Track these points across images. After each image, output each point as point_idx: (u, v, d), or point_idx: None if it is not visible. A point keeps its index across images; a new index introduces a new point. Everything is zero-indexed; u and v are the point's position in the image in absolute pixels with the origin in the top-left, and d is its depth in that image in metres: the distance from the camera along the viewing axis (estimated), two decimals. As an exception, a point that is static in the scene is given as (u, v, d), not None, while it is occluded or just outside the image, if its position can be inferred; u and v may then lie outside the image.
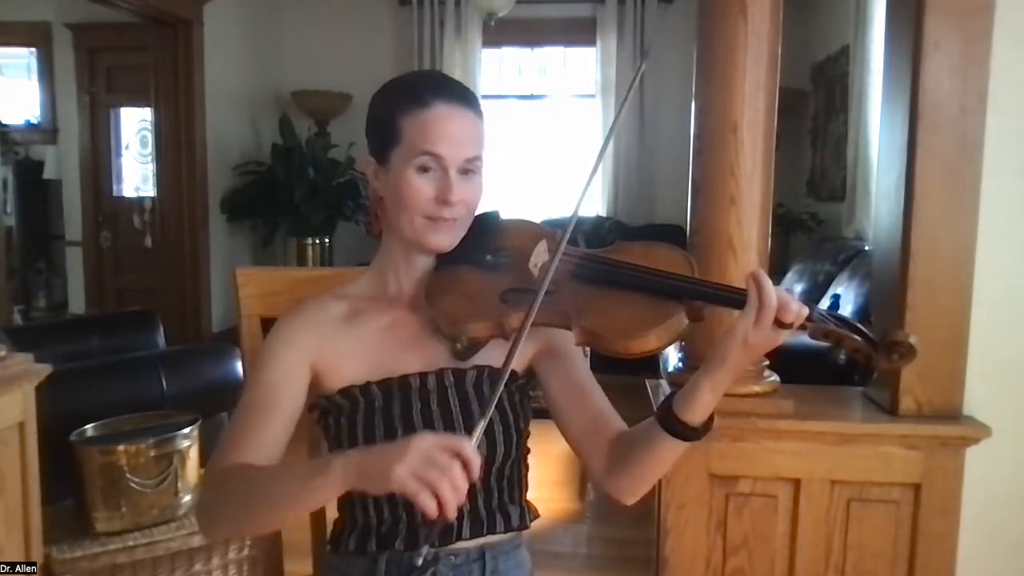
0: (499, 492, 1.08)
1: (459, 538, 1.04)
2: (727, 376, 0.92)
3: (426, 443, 0.79)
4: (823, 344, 0.91)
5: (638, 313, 0.94)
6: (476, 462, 0.79)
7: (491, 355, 1.05)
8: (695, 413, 0.93)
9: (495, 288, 1.03)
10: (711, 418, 0.95)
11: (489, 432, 1.03)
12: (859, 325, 0.90)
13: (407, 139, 1.02)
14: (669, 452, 0.98)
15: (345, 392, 1.05)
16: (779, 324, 0.87)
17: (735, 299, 0.91)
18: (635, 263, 0.99)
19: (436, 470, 0.77)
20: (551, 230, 1.09)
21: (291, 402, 1.04)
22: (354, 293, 1.12)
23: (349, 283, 1.15)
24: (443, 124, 1.02)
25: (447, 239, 1.06)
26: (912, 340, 0.87)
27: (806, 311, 0.88)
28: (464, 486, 0.77)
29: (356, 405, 1.04)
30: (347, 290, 1.13)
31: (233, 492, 0.95)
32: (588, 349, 1.02)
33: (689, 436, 0.95)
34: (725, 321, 0.91)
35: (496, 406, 1.04)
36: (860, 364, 0.91)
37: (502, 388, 0.89)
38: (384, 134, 1.05)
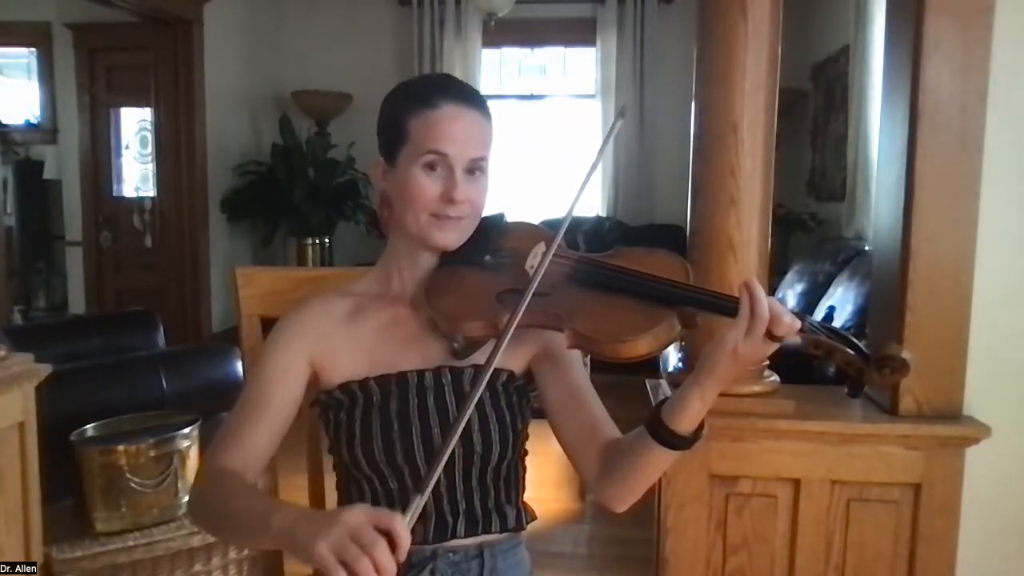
0: (495, 492, 1.08)
1: (454, 536, 1.05)
2: (716, 386, 0.91)
3: (354, 518, 0.75)
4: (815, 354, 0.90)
5: (630, 318, 0.94)
6: (405, 541, 0.75)
7: None
8: (684, 422, 0.92)
9: (492, 288, 1.03)
10: (701, 427, 0.94)
11: (485, 430, 1.04)
12: (852, 338, 0.89)
13: (414, 138, 1.04)
14: (659, 461, 0.97)
15: (344, 388, 1.06)
16: (770, 336, 0.87)
17: (728, 307, 0.90)
18: (630, 268, 0.99)
19: (357, 548, 0.73)
20: (551, 232, 1.09)
21: (287, 400, 1.06)
22: (359, 290, 1.14)
23: (356, 280, 1.17)
24: (450, 124, 1.03)
25: (453, 237, 1.07)
26: (905, 355, 0.87)
27: (798, 324, 0.88)
28: (390, 567, 0.73)
29: (355, 401, 1.05)
30: (353, 287, 1.15)
31: (212, 503, 0.98)
32: (588, 355, 1.02)
33: (678, 445, 0.94)
34: (724, 325, 0.90)
35: (493, 405, 1.05)
36: (851, 378, 0.90)
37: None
38: (393, 134, 1.06)
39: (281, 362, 1.07)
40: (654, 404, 0.98)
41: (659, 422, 0.94)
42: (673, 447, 0.94)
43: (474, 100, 1.06)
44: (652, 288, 0.96)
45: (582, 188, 1.03)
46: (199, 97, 4.87)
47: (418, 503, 0.79)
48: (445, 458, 0.83)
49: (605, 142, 1.07)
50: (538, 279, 0.95)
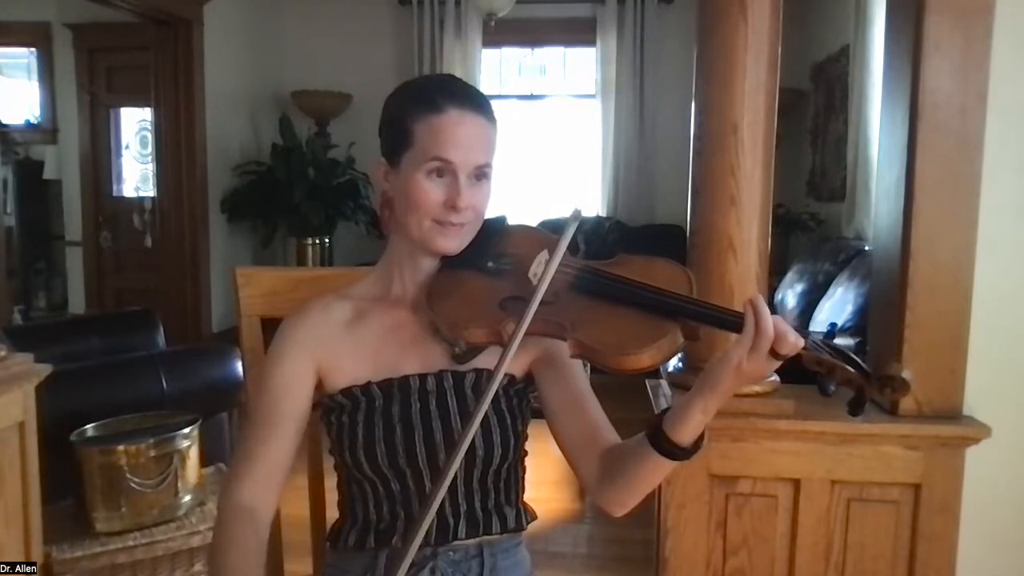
0: (496, 493, 1.08)
1: (455, 538, 1.05)
2: (718, 400, 0.91)
3: None
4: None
5: (633, 329, 0.94)
6: None
7: (491, 359, 1.05)
8: (685, 434, 0.93)
9: (495, 295, 1.03)
10: (701, 437, 0.95)
11: (486, 433, 1.04)
12: (853, 356, 0.89)
13: (419, 143, 1.03)
14: (658, 469, 0.97)
15: (347, 392, 1.06)
16: (774, 354, 0.87)
17: (731, 322, 0.90)
18: (634, 278, 0.99)
19: None
20: (553, 237, 1.08)
21: (298, 409, 1.07)
22: (359, 293, 1.13)
23: (355, 283, 1.16)
24: (455, 129, 1.01)
25: (454, 243, 1.06)
26: (905, 375, 0.88)
27: (802, 342, 0.88)
28: None
29: (357, 405, 1.05)
30: (352, 290, 1.14)
31: (218, 568, 1.01)
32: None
33: (678, 455, 0.94)
34: (728, 337, 0.91)
35: (494, 408, 1.05)
36: (853, 395, 0.91)
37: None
38: (396, 136, 1.05)
39: (288, 372, 1.07)
40: (654, 405, 0.99)
41: (660, 432, 0.94)
42: (673, 457, 0.94)
43: (479, 105, 1.05)
44: (657, 300, 0.95)
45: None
46: (199, 97, 4.87)
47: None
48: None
49: (561, 241, 1.01)
50: (543, 291, 0.94)
